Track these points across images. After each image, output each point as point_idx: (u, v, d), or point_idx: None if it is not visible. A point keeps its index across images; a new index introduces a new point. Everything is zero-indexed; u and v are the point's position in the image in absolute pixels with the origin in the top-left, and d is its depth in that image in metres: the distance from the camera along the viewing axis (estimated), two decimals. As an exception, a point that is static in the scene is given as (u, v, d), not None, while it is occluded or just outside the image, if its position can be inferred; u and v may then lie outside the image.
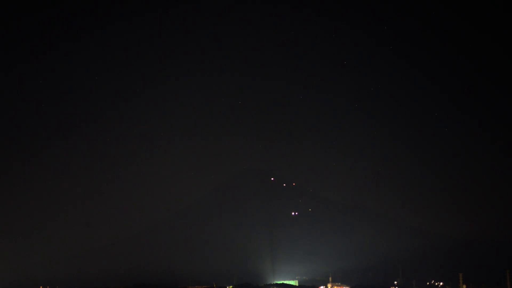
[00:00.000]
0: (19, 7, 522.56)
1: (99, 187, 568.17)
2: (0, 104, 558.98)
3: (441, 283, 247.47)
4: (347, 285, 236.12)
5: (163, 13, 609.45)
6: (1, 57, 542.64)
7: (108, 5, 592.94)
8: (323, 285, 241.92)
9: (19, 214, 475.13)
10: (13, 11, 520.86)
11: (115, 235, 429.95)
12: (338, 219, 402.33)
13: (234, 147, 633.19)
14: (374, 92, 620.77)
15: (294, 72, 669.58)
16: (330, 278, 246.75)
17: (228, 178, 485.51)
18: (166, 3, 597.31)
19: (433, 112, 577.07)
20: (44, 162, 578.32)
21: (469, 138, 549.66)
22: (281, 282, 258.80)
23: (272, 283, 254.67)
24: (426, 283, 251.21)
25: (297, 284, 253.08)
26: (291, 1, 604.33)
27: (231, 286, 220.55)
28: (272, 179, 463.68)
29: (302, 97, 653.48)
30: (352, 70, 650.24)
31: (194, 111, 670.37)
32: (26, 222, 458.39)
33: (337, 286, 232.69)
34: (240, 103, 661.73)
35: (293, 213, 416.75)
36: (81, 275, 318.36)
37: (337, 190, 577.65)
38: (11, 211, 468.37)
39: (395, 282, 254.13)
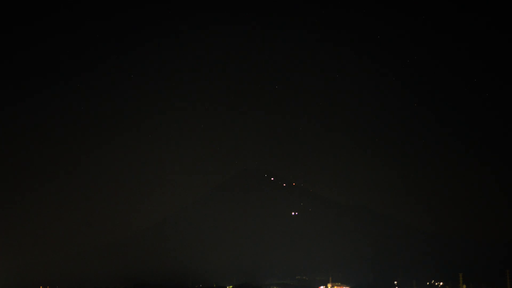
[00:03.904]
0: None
1: (99, 187, 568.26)
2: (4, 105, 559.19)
3: (441, 283, 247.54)
4: (347, 285, 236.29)
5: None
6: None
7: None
8: (323, 285, 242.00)
9: (19, 214, 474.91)
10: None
11: (115, 235, 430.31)
12: (338, 219, 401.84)
13: (234, 147, 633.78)
14: (376, 92, 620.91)
15: (294, 71, 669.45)
16: (330, 278, 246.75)
17: (228, 178, 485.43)
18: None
19: (434, 112, 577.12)
20: (44, 162, 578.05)
21: (469, 139, 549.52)
22: (281, 282, 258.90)
23: (272, 283, 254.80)
24: (426, 283, 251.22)
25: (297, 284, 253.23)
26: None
27: (231, 286, 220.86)
28: (272, 179, 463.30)
29: (303, 97, 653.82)
30: (353, 70, 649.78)
31: (193, 111, 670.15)
32: (26, 222, 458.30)
33: (337, 286, 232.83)
34: (240, 103, 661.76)
35: (293, 213, 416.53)
36: (81, 275, 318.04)
37: (337, 190, 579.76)
38: (11, 211, 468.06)
39: (395, 282, 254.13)
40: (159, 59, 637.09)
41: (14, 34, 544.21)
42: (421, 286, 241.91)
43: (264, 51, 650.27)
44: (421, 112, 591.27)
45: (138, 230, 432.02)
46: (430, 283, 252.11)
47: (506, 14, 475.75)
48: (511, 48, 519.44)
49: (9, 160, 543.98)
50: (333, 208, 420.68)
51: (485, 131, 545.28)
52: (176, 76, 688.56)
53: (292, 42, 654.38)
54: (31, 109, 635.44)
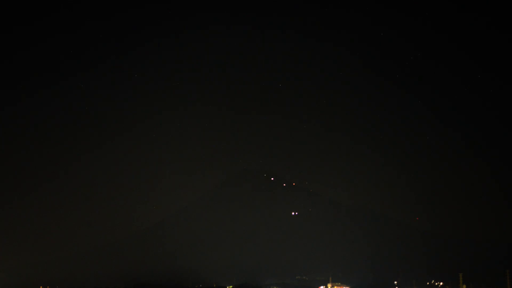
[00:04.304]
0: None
1: (99, 187, 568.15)
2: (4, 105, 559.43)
3: (441, 283, 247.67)
4: (347, 285, 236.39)
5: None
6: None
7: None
8: (323, 285, 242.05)
9: (19, 214, 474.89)
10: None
11: (115, 235, 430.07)
12: (338, 219, 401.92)
13: (234, 147, 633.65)
14: (376, 92, 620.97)
15: (294, 71, 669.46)
16: (330, 278, 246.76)
17: (228, 178, 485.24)
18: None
19: (435, 112, 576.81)
20: (44, 162, 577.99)
21: (470, 139, 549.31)
22: (281, 282, 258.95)
23: (272, 283, 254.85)
24: (426, 283, 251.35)
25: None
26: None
27: (231, 286, 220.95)
28: (272, 179, 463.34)
29: (303, 96, 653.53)
30: (353, 70, 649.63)
31: (193, 111, 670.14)
32: (26, 222, 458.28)
33: (337, 286, 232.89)
34: (240, 103, 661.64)
35: (293, 213, 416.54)
36: (81, 275, 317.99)
37: (337, 190, 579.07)
38: (11, 211, 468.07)
39: (395, 282, 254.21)
40: (159, 59, 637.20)
41: (14, 34, 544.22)
42: (421, 286, 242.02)
43: (264, 51, 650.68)
44: (421, 112, 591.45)
45: (138, 230, 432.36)
46: (430, 283, 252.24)
47: (506, 14, 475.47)
48: (511, 48, 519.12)
49: (9, 160, 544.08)
50: (333, 208, 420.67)
51: (485, 131, 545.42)
52: (176, 76, 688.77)
53: (292, 42, 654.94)
54: (31, 109, 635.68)
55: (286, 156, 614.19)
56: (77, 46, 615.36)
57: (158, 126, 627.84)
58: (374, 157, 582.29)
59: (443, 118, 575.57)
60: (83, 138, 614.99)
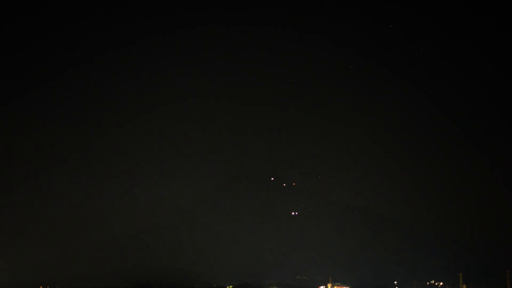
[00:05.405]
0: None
1: (99, 188, 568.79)
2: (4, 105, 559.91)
3: (441, 283, 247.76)
4: (347, 285, 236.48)
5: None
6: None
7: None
8: (323, 285, 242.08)
9: (19, 214, 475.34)
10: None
11: (115, 235, 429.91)
12: (338, 219, 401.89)
13: (234, 146, 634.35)
14: (378, 91, 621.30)
15: (294, 71, 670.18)
16: (330, 278, 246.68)
17: (228, 177, 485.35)
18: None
19: (437, 112, 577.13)
20: (44, 162, 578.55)
21: (471, 139, 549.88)
22: (281, 282, 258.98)
23: (272, 283, 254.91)
24: (426, 283, 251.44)
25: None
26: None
27: (231, 286, 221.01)
28: (272, 179, 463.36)
29: (303, 96, 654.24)
30: (354, 69, 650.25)
31: (194, 110, 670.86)
32: (26, 222, 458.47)
33: (337, 286, 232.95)
34: (240, 103, 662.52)
35: (293, 213, 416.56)
36: (81, 275, 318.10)
37: (338, 190, 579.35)
38: (11, 211, 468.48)
39: (395, 282, 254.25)
40: (159, 58, 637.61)
41: (14, 34, 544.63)
42: (421, 286, 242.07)
43: (264, 51, 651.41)
44: (423, 111, 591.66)
45: (138, 230, 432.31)
46: (430, 283, 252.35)
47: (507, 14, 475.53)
48: None
49: (9, 159, 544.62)
50: (333, 208, 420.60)
51: (488, 131, 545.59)
52: (176, 76, 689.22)
53: (293, 42, 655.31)
54: (31, 109, 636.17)
55: (286, 156, 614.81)
56: (76, 45, 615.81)
57: (158, 126, 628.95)
58: (375, 157, 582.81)
59: (444, 118, 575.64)
60: (82, 138, 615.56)
